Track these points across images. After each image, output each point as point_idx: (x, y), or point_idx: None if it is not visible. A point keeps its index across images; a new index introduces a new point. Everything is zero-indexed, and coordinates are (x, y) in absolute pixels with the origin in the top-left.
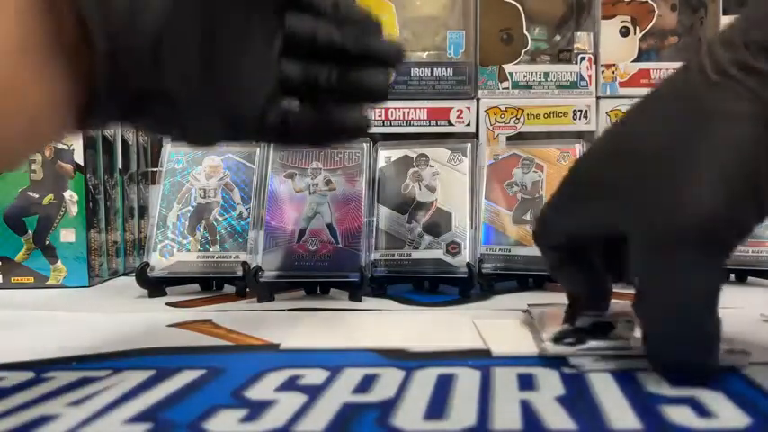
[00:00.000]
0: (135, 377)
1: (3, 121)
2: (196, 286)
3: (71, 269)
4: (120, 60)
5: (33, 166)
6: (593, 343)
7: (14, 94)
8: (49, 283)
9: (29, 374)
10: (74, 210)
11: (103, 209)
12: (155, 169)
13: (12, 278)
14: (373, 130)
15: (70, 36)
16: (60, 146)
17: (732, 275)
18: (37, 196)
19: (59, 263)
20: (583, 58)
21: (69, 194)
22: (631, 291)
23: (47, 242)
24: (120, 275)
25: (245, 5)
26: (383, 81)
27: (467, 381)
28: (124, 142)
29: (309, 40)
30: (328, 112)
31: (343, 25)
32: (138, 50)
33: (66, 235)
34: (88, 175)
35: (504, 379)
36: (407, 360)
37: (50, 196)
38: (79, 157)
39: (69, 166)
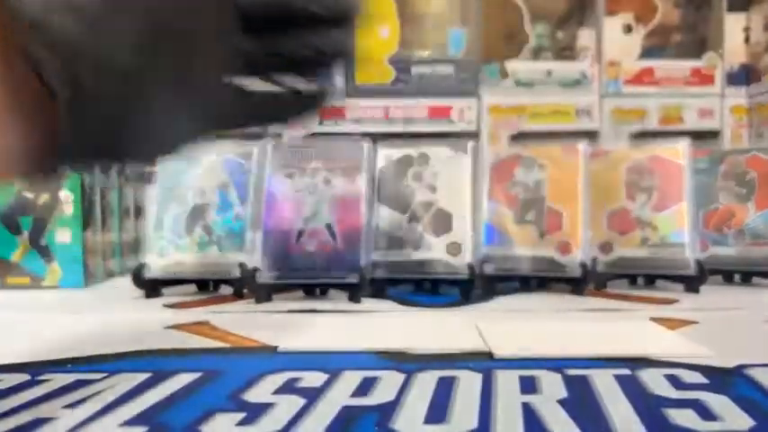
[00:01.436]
0: (131, 380)
1: None
2: (193, 287)
3: (66, 270)
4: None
5: None
6: None
7: None
8: (44, 284)
9: (24, 377)
10: (69, 210)
11: (99, 209)
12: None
13: (7, 279)
14: (373, 129)
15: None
16: None
17: (737, 276)
18: (32, 196)
19: (55, 263)
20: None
21: (64, 194)
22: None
23: (42, 243)
24: (117, 276)
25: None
26: (342, 39)
27: (468, 383)
28: None
29: (263, 9)
30: (290, 82)
31: None
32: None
33: (62, 235)
34: (84, 175)
35: (506, 382)
36: (408, 362)
37: (46, 196)
38: None
39: None
